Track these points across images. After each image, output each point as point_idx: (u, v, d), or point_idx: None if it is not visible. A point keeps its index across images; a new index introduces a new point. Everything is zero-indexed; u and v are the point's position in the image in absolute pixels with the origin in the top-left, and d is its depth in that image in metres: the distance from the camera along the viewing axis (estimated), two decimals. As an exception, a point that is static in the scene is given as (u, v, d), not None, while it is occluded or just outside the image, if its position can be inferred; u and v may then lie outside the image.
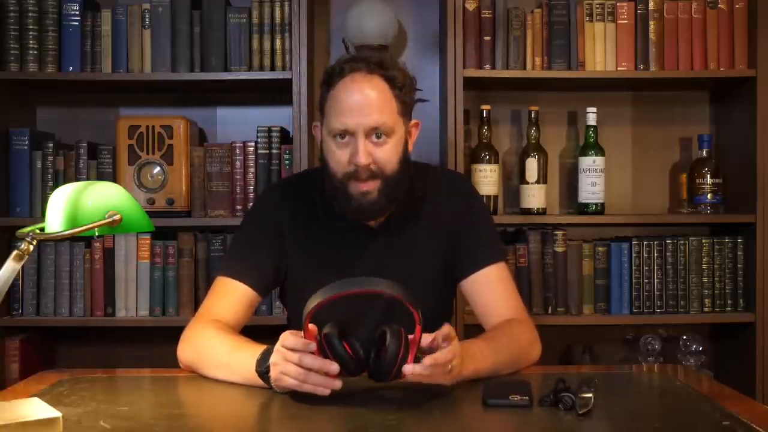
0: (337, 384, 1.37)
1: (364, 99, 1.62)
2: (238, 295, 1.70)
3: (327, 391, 1.37)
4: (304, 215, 1.76)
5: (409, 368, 1.35)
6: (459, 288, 1.81)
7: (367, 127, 1.61)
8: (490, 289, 1.75)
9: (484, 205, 1.92)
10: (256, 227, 1.79)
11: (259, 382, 1.46)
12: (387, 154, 1.64)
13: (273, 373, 1.41)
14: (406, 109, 1.69)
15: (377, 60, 1.65)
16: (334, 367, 1.36)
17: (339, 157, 1.64)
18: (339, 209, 1.70)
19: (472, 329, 2.44)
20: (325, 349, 1.37)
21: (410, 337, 1.38)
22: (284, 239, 1.75)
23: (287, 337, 1.40)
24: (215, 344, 1.58)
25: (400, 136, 1.67)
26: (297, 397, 1.40)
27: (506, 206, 2.76)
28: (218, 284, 1.73)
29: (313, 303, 1.35)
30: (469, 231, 1.78)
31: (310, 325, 1.38)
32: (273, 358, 1.41)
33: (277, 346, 1.41)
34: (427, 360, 1.36)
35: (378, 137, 1.63)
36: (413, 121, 1.73)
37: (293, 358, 1.37)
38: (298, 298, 1.79)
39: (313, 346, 1.37)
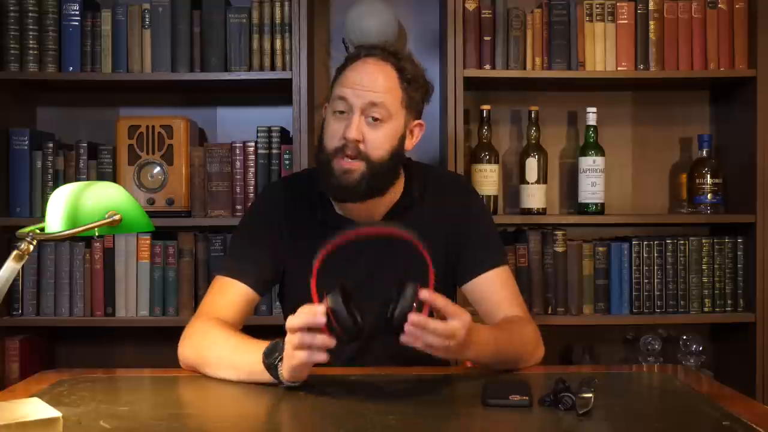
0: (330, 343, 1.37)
1: (369, 77, 1.65)
2: (236, 294, 1.71)
3: (324, 355, 1.37)
4: (302, 214, 1.77)
5: (415, 317, 1.36)
6: (461, 291, 1.81)
7: (365, 101, 1.63)
8: (494, 292, 1.75)
9: (485, 207, 1.93)
10: (254, 226, 1.79)
11: (265, 377, 1.45)
12: (378, 139, 1.65)
13: (285, 356, 1.41)
14: (411, 104, 1.70)
15: (393, 50, 1.70)
16: (320, 317, 1.34)
17: (333, 130, 1.66)
18: (322, 187, 1.71)
19: (472, 329, 2.44)
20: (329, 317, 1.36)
21: (423, 295, 1.38)
22: (282, 238, 1.76)
23: (290, 318, 1.39)
24: (217, 342, 1.58)
25: (397, 127, 1.68)
26: (299, 397, 1.40)
27: (506, 206, 2.76)
28: (217, 283, 1.73)
29: (321, 249, 1.36)
30: (471, 234, 1.78)
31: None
32: (285, 349, 1.41)
33: (288, 325, 1.40)
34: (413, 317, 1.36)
35: (374, 119, 1.64)
36: (417, 121, 1.74)
37: (293, 339, 1.37)
38: (296, 297, 1.79)
39: (322, 308, 1.35)
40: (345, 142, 1.64)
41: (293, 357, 1.38)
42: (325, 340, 1.36)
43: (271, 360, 1.44)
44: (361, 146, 1.64)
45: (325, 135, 1.69)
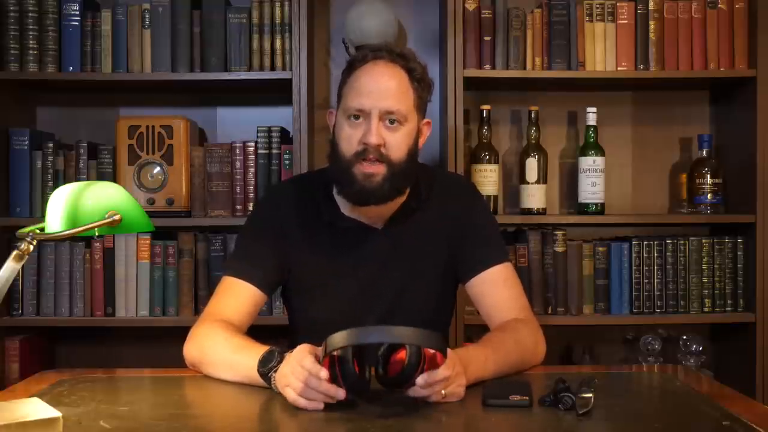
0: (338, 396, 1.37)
1: (382, 83, 1.65)
2: (244, 295, 1.71)
3: (320, 406, 1.36)
4: (307, 216, 1.77)
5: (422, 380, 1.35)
6: (464, 289, 1.81)
7: (383, 109, 1.63)
8: (495, 289, 1.75)
9: (487, 207, 1.93)
10: (259, 227, 1.79)
11: (261, 382, 1.47)
12: (397, 141, 1.65)
13: (278, 382, 1.42)
14: (421, 104, 1.71)
15: (399, 51, 1.70)
16: (340, 393, 1.34)
17: (350, 137, 1.65)
18: (341, 192, 1.70)
19: (472, 329, 2.44)
20: (336, 370, 1.34)
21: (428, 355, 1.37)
22: (287, 239, 1.76)
23: (305, 356, 1.37)
24: (219, 344, 1.59)
25: (412, 128, 1.69)
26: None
27: (506, 206, 2.76)
28: (224, 284, 1.74)
29: (337, 343, 1.31)
30: (473, 232, 1.78)
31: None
32: (284, 369, 1.40)
33: (293, 359, 1.39)
34: (420, 380, 1.35)
35: (391, 123, 1.64)
36: (426, 120, 1.75)
37: (301, 376, 1.36)
38: (302, 298, 1.80)
39: (325, 374, 1.34)
40: (365, 147, 1.63)
41: (285, 391, 1.39)
42: (326, 398, 1.35)
43: (266, 370, 1.45)
44: (382, 149, 1.64)
45: (340, 141, 1.68)
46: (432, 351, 1.36)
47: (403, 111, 1.65)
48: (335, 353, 1.34)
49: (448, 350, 1.40)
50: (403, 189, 1.72)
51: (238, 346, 1.56)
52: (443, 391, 1.37)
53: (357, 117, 1.65)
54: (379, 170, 1.64)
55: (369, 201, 1.68)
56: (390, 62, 1.67)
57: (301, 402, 1.36)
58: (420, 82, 1.69)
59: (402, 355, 1.36)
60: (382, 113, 1.63)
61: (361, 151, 1.64)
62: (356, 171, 1.65)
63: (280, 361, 1.44)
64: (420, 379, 1.35)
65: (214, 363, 1.57)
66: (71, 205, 1.33)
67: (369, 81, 1.65)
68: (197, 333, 1.65)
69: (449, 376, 1.38)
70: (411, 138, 1.69)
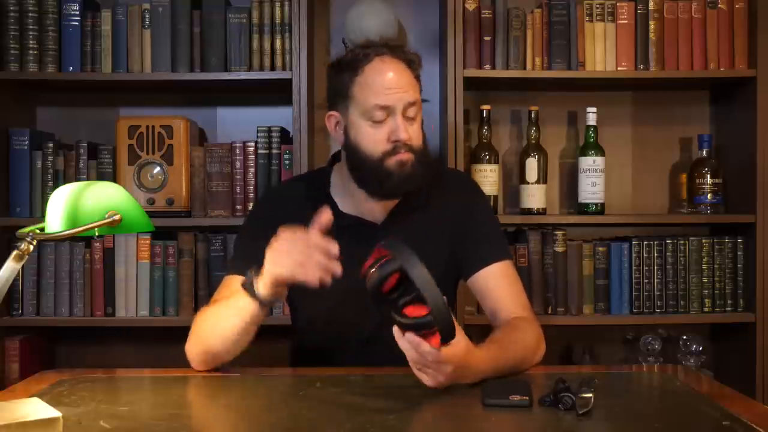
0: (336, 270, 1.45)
1: (399, 77, 1.68)
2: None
3: (316, 277, 1.45)
4: (307, 214, 1.76)
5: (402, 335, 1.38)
6: (467, 285, 1.82)
7: (407, 102, 1.67)
8: (499, 285, 1.76)
9: (489, 204, 1.95)
10: (256, 227, 1.79)
11: (254, 310, 1.54)
12: (417, 132, 1.70)
13: (267, 268, 1.50)
14: (420, 92, 1.75)
15: (396, 45, 1.74)
16: (334, 249, 1.42)
17: (376, 137, 1.67)
18: (374, 191, 1.72)
19: (472, 329, 2.44)
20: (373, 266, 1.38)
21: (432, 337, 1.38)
22: None
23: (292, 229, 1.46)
24: (210, 308, 1.64)
25: (421, 116, 1.73)
26: (299, 397, 1.40)
27: (506, 206, 2.76)
28: (223, 283, 1.75)
29: (398, 250, 1.36)
30: (476, 229, 1.80)
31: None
32: (271, 252, 1.50)
33: (279, 237, 1.51)
34: (410, 335, 1.37)
35: (410, 116, 1.68)
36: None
37: (296, 239, 1.47)
38: (303, 296, 1.80)
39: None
40: (395, 145, 1.66)
41: (280, 269, 1.48)
42: (323, 257, 1.45)
43: (249, 281, 1.54)
44: (409, 143, 1.68)
45: (362, 143, 1.69)
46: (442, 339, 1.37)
47: (417, 101, 1.70)
48: (391, 254, 1.37)
49: (458, 346, 1.40)
50: (429, 176, 1.75)
51: (227, 300, 1.62)
52: (418, 367, 1.40)
53: (379, 116, 1.66)
54: (409, 156, 1.68)
55: (404, 188, 1.71)
56: (393, 57, 1.70)
57: (300, 273, 1.45)
58: (419, 71, 1.74)
59: (423, 311, 1.36)
60: (406, 106, 1.67)
61: (390, 149, 1.67)
62: (389, 164, 1.67)
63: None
64: (410, 335, 1.36)
65: (210, 322, 1.61)
66: (71, 205, 1.33)
67: (385, 77, 1.67)
68: (194, 325, 1.66)
69: (434, 360, 1.38)
70: (421, 126, 1.73)
